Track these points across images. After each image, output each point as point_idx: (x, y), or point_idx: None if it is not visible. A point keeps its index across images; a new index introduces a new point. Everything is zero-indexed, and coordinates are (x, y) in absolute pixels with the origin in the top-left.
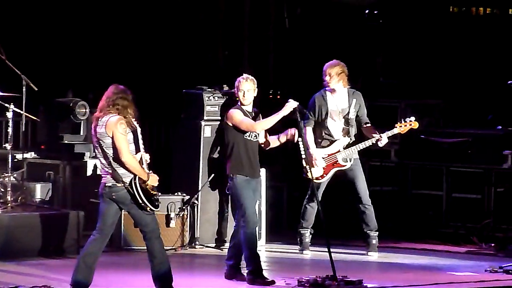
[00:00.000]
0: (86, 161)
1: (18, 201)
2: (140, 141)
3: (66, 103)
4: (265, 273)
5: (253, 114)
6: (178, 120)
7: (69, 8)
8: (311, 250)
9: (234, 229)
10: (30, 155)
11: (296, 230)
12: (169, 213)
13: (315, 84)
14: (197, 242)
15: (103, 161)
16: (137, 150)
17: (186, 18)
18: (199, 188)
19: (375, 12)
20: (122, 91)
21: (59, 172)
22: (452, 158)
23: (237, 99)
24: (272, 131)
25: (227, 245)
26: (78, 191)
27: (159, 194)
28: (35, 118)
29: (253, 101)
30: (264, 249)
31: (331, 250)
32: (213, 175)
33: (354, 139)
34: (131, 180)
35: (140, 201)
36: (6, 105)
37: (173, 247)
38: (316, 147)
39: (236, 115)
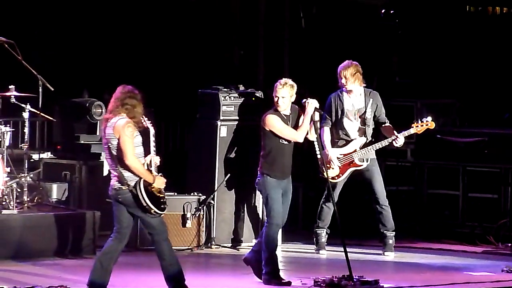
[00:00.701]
0: (102, 161)
1: (35, 201)
2: (152, 143)
3: (82, 103)
4: (281, 273)
5: (290, 115)
6: (194, 120)
7: (86, 8)
8: (327, 250)
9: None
10: (46, 155)
11: (312, 230)
12: (185, 213)
13: (331, 84)
14: (213, 242)
15: (111, 163)
16: (147, 152)
17: (201, 18)
18: (215, 188)
19: (391, 11)
20: (130, 90)
21: (75, 172)
22: (468, 157)
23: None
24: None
25: (243, 245)
26: (94, 191)
27: (166, 196)
28: (51, 118)
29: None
30: (280, 249)
31: (347, 250)
32: (229, 175)
33: (371, 139)
34: (135, 183)
35: (144, 204)
36: (23, 105)
37: (189, 247)
38: (333, 147)
39: (276, 123)
